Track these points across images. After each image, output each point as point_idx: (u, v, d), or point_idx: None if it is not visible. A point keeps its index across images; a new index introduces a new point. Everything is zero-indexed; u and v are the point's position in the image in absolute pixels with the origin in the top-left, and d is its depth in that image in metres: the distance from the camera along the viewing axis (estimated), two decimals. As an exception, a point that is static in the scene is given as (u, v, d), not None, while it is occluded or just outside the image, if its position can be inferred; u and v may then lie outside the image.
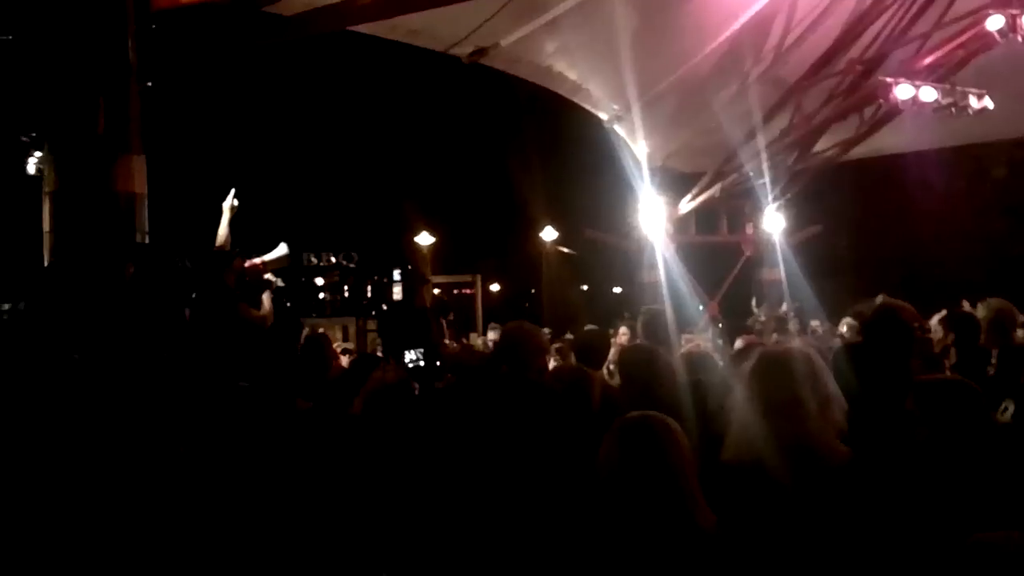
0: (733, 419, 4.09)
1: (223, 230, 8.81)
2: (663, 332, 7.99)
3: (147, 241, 8.73)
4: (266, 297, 8.52)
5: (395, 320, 6.58)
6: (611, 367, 8.63)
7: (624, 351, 6.74)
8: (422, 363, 5.87)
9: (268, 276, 8.74)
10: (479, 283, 42.41)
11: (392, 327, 6.39)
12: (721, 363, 8.07)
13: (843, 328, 11.88)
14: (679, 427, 3.52)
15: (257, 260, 8.79)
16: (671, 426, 3.50)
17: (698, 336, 12.04)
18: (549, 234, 40.94)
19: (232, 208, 8.90)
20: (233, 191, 8.88)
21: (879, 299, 12.16)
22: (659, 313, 8.25)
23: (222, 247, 8.77)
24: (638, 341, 9.88)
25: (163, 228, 9.33)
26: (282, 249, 9.12)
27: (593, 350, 7.05)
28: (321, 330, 9.01)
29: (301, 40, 13.02)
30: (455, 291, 43.41)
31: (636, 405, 4.06)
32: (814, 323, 14.26)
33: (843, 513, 3.61)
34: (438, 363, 5.95)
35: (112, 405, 5.06)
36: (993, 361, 6.67)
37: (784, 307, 15.87)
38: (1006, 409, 5.33)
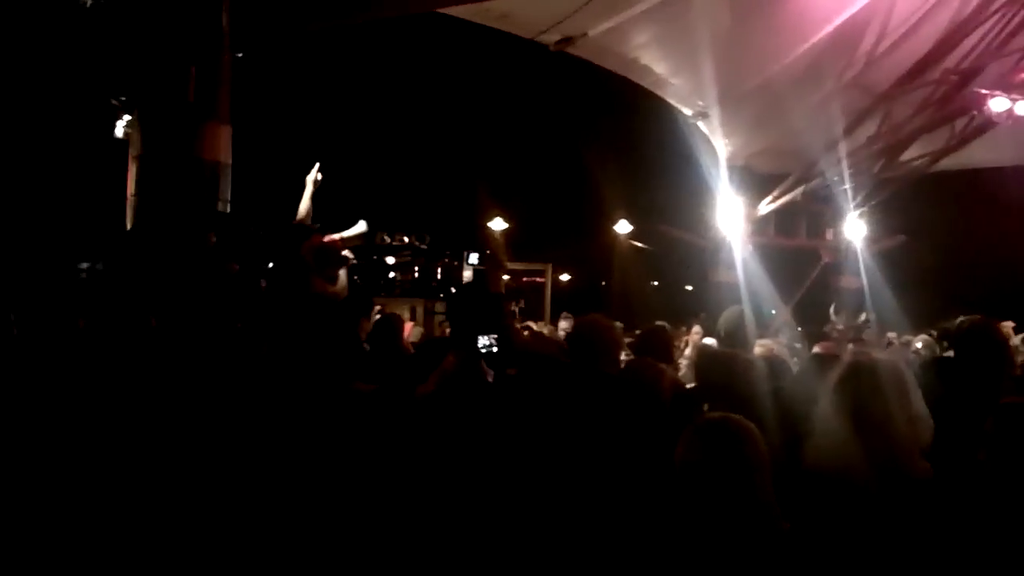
0: (816, 426, 4.02)
1: (305, 204, 8.83)
2: (743, 334, 7.89)
3: (228, 210, 8.75)
4: (342, 273, 8.51)
5: (467, 303, 6.48)
6: (682, 364, 8.54)
7: (703, 351, 6.66)
8: (495, 349, 5.79)
9: (345, 252, 8.74)
10: (549, 272, 42.33)
11: (463, 310, 6.30)
12: (796, 368, 7.97)
13: (918, 344, 11.69)
14: (757, 430, 3.47)
15: (336, 236, 8.79)
16: (750, 428, 3.45)
17: (772, 339, 11.90)
18: (623, 227, 40.79)
19: (315, 182, 8.92)
20: (317, 165, 8.90)
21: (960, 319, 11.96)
22: (740, 314, 8.14)
23: (303, 221, 8.79)
24: (712, 340, 9.79)
25: (244, 199, 9.35)
26: (361, 226, 9.11)
27: (654, 346, 6.99)
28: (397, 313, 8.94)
29: (389, 19, 13.01)
30: (524, 279, 43.35)
31: (713, 406, 4.01)
32: (891, 335, 14.03)
33: (920, 528, 3.56)
34: (512, 350, 5.87)
35: (184, 369, 5.06)
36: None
37: (863, 316, 15.64)
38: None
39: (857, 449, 3.74)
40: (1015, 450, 3.76)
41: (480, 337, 5.56)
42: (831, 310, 16.10)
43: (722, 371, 5.41)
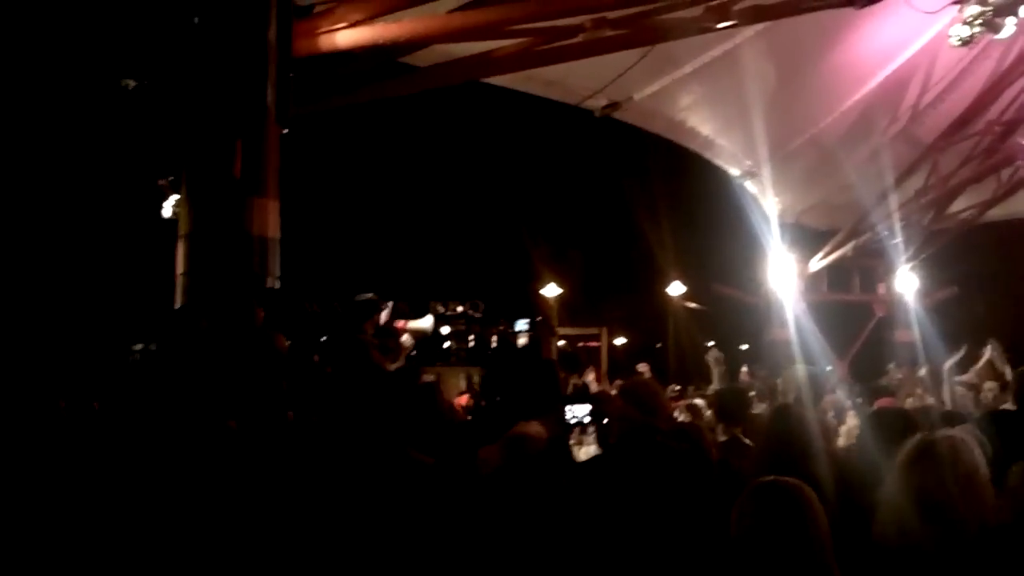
0: (883, 500, 3.95)
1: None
2: (819, 394, 7.87)
3: (278, 286, 8.85)
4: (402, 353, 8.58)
5: (518, 371, 6.45)
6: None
7: (767, 412, 6.59)
8: (587, 420, 5.72)
9: (406, 338, 8.82)
10: (605, 336, 42.24)
11: (514, 379, 6.27)
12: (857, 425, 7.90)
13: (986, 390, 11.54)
14: (814, 494, 3.45)
15: (401, 322, 8.90)
16: (806, 493, 3.44)
17: (829, 395, 11.79)
18: (677, 288, 40.70)
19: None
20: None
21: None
22: (802, 374, 8.11)
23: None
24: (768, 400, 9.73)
25: (295, 273, 9.45)
26: (428, 321, 9.21)
27: (735, 406, 6.97)
28: (432, 378, 8.98)
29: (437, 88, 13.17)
30: (580, 343, 43.27)
31: (772, 467, 3.99)
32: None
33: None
34: (605, 420, 5.78)
35: (240, 448, 5.10)
36: None
37: (923, 370, 15.49)
38: None
39: (920, 527, 3.69)
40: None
41: (569, 407, 5.51)
42: (891, 365, 15.97)
43: (781, 433, 5.35)
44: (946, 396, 10.12)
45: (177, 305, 8.67)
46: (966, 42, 11.15)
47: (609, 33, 10.54)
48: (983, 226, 20.93)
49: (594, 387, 17.09)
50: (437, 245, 35.17)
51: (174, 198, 9.74)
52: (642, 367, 17.52)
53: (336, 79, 10.60)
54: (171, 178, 9.62)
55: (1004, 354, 11.93)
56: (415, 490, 4.87)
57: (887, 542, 3.75)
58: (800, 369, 8.33)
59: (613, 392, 13.77)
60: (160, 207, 10.07)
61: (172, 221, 9.60)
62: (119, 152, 9.03)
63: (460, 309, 21.33)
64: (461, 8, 10.42)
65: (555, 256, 38.16)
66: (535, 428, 5.48)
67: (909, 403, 10.86)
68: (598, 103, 14.80)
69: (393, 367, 8.32)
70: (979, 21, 10.70)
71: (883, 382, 13.31)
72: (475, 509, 4.73)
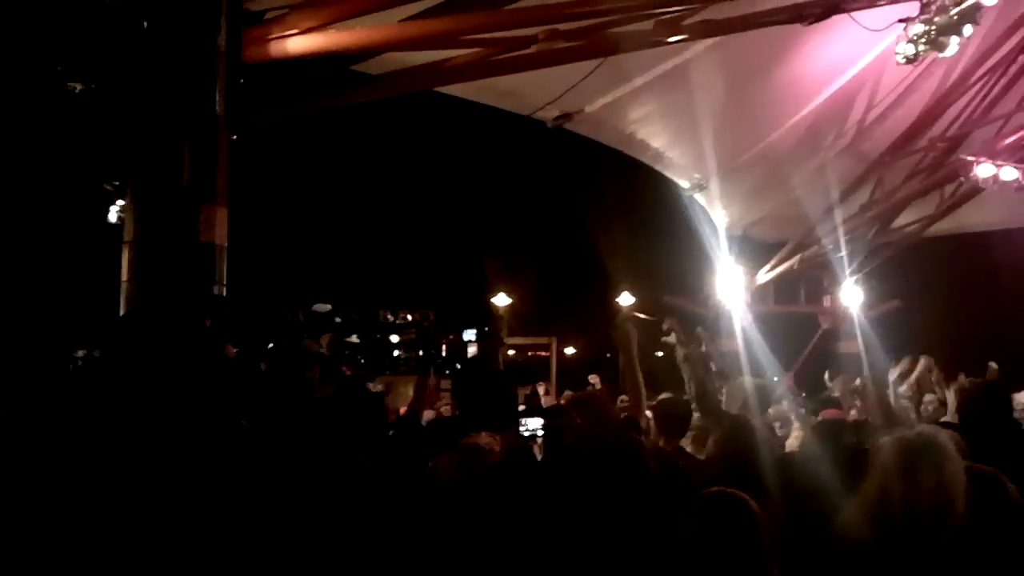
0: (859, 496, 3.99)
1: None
2: (764, 405, 7.94)
3: (224, 293, 8.81)
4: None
5: (472, 382, 6.48)
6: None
7: (728, 423, 6.63)
8: (540, 434, 5.70)
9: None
10: (555, 345, 42.28)
11: (470, 389, 6.29)
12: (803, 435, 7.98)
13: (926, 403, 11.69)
14: (757, 506, 3.50)
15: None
16: (750, 504, 3.49)
17: (775, 406, 11.89)
18: (626, 299, 40.82)
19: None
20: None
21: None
22: (746, 386, 8.19)
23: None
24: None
25: (241, 280, 9.41)
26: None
27: (676, 418, 7.00)
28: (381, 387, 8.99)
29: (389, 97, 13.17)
30: (530, 352, 43.32)
31: (722, 477, 4.04)
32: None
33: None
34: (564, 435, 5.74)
35: (181, 453, 5.07)
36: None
37: (858, 381, 15.64)
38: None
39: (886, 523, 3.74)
40: (984, 518, 3.79)
41: (524, 420, 5.50)
42: (826, 376, 16.14)
43: (731, 444, 5.39)
44: (886, 407, 10.24)
45: (121, 312, 8.59)
46: (911, 60, 11.32)
47: (562, 45, 10.58)
48: (926, 240, 21.25)
49: (545, 398, 17.14)
50: (388, 253, 35.10)
51: (120, 203, 9.65)
52: (593, 378, 17.57)
53: (288, 86, 10.56)
54: (117, 183, 9.53)
55: (938, 372, 12.09)
56: (369, 498, 4.88)
57: (853, 542, 3.80)
58: (746, 380, 8.41)
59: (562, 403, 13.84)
60: (106, 211, 9.98)
61: (117, 226, 9.51)
62: (64, 155, 8.92)
63: (410, 318, 21.32)
64: (414, 17, 10.41)
65: (506, 265, 38.20)
66: (485, 439, 5.50)
67: (853, 415, 10.97)
68: (550, 114, 14.84)
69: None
70: (924, 40, 10.85)
71: (828, 394, 13.44)
72: (430, 518, 4.75)
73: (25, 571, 4.30)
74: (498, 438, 5.60)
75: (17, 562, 4.31)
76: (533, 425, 5.61)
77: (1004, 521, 3.88)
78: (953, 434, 4.50)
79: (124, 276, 8.71)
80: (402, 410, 12.79)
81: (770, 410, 9.49)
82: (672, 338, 8.80)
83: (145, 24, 8.41)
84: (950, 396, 10.33)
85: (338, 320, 8.96)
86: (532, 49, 10.61)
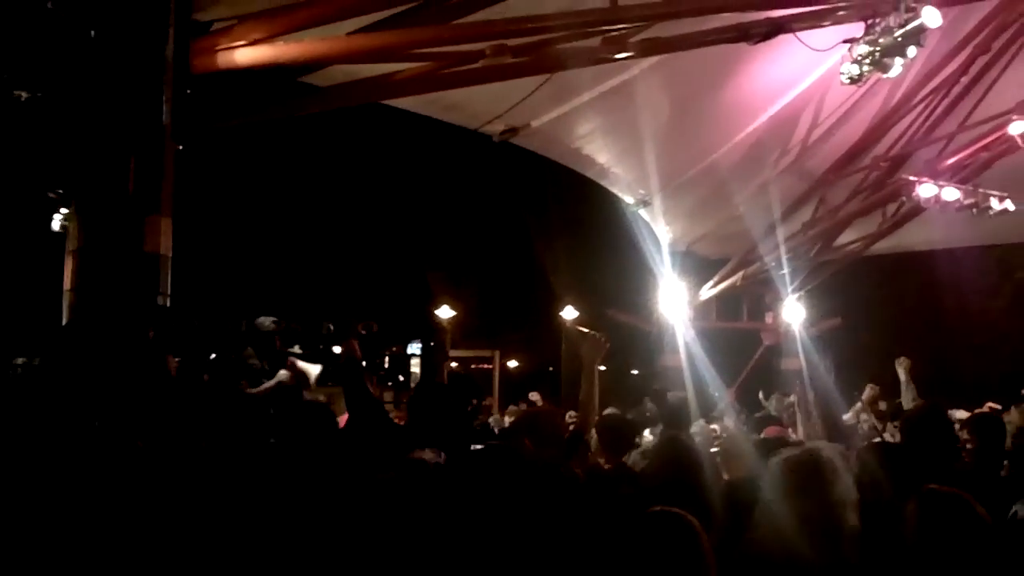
0: (761, 515, 4.07)
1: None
2: (686, 419, 7.97)
3: (168, 304, 8.76)
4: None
5: (426, 400, 6.46)
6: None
7: (661, 441, 6.65)
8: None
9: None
10: (497, 358, 42.29)
11: (424, 407, 6.28)
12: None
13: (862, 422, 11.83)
14: (699, 524, 3.53)
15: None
16: (692, 522, 3.52)
17: (717, 422, 11.96)
18: (569, 313, 40.91)
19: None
20: None
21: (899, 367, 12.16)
22: (683, 401, 8.25)
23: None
24: (659, 427, 9.84)
25: (185, 290, 9.36)
26: (315, 370, 9.16)
27: (618, 436, 7.03)
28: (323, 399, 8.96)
29: (336, 109, 13.15)
30: (473, 365, 43.34)
31: (662, 494, 4.06)
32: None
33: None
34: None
35: (120, 463, 5.04)
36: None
37: (792, 397, 15.77)
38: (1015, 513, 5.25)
39: (795, 537, 3.80)
40: (935, 538, 3.86)
41: (475, 446, 5.46)
42: (760, 395, 16.28)
43: (670, 460, 5.41)
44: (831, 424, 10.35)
45: (64, 321, 8.52)
46: (855, 80, 11.42)
47: (509, 60, 10.62)
48: (868, 258, 21.48)
49: (494, 412, 17.10)
50: (332, 264, 34.96)
51: (64, 211, 9.57)
52: (534, 396, 17.57)
53: (235, 97, 10.53)
54: (61, 191, 9.45)
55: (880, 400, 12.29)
56: (314, 509, 4.87)
57: (766, 554, 3.86)
58: (677, 396, 8.47)
59: (507, 420, 13.83)
60: (49, 219, 9.88)
61: (60, 234, 9.43)
62: (8, 163, 8.83)
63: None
64: (362, 30, 10.41)
65: (450, 278, 38.20)
66: (430, 455, 5.49)
67: (790, 432, 11.07)
68: (496, 128, 14.85)
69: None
70: (868, 60, 10.95)
71: (766, 412, 13.55)
72: (377, 532, 4.73)
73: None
74: (443, 455, 5.60)
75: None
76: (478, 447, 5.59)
77: (972, 542, 3.95)
78: (841, 450, 4.60)
79: (67, 285, 8.64)
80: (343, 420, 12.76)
81: (693, 427, 9.54)
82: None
83: (93, 33, 8.36)
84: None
85: (275, 328, 8.91)
86: (479, 64, 10.64)
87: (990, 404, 11.33)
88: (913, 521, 3.99)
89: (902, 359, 12.29)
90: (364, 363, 7.71)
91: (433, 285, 37.54)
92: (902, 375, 12.28)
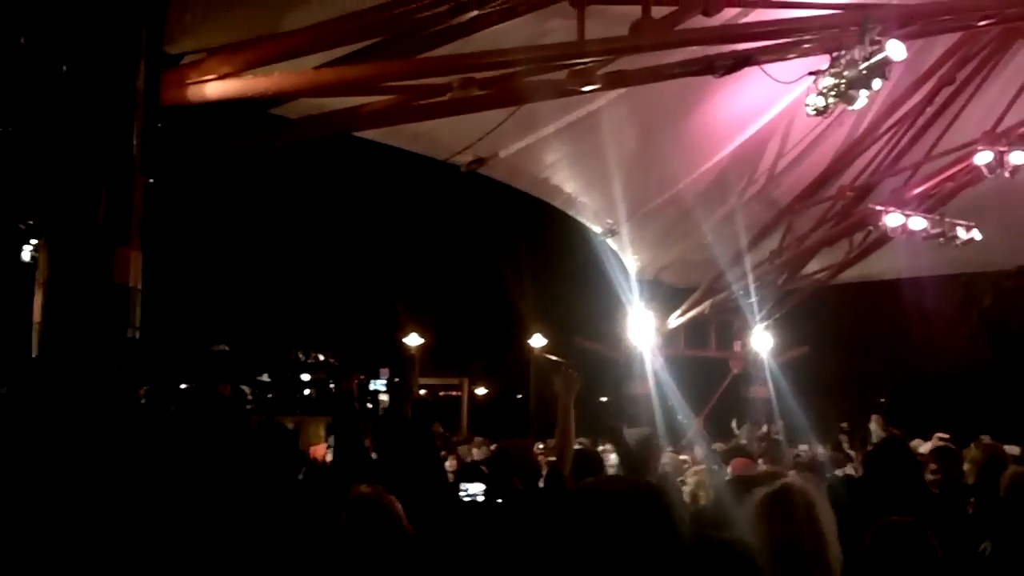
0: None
1: None
2: (655, 456, 8.00)
3: (138, 336, 8.76)
4: None
5: (392, 437, 6.45)
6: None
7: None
8: (481, 499, 5.54)
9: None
10: (466, 386, 42.33)
11: (390, 446, 6.27)
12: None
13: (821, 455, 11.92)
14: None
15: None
16: None
17: (687, 451, 12.03)
18: (538, 341, 40.95)
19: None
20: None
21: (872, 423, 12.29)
22: (647, 439, 8.27)
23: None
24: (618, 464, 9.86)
25: (155, 322, 9.36)
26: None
27: (588, 470, 7.06)
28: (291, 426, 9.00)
29: (305, 140, 13.20)
30: (441, 393, 43.31)
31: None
32: (801, 448, 14.17)
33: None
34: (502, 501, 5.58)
35: (90, 495, 5.05)
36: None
37: (765, 427, 15.85)
38: (984, 550, 5.31)
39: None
40: (893, 569, 3.91)
41: (464, 484, 5.40)
42: (733, 424, 16.35)
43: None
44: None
45: (34, 353, 8.51)
46: (821, 112, 11.51)
47: (476, 93, 10.69)
48: (835, 287, 21.61)
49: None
50: (300, 293, 34.94)
51: (34, 242, 9.57)
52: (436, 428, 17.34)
53: (205, 130, 10.56)
54: (31, 222, 9.45)
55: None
56: (279, 541, 4.88)
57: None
58: (644, 433, 8.49)
59: (478, 452, 13.79)
60: (19, 250, 9.89)
61: (30, 265, 9.43)
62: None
63: (321, 357, 21.25)
64: (330, 64, 10.48)
65: (419, 306, 38.21)
66: (365, 488, 5.48)
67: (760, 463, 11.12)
68: (464, 159, 14.89)
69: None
70: (834, 92, 11.03)
71: (734, 442, 13.61)
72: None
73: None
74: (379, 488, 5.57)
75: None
76: (474, 490, 5.52)
77: (924, 570, 4.00)
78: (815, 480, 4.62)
79: (36, 317, 8.63)
80: (314, 450, 12.76)
81: (663, 457, 9.57)
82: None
83: (64, 67, 8.38)
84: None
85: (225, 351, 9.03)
86: (446, 97, 10.71)
87: (939, 435, 11.42)
88: (868, 551, 4.03)
89: (875, 417, 12.42)
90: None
91: (401, 313, 37.56)
92: (876, 431, 12.42)
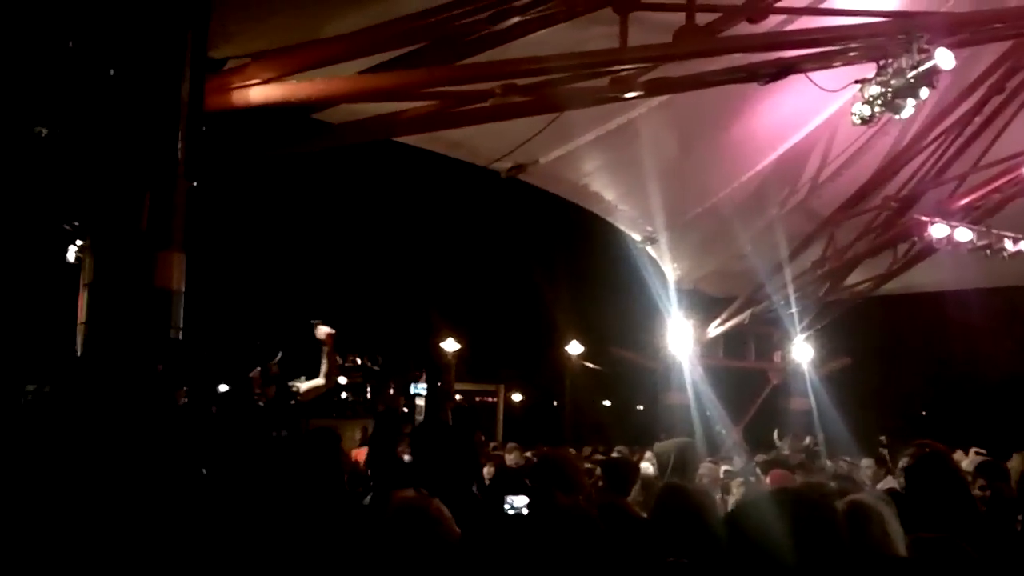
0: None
1: (324, 367, 9.15)
2: (693, 465, 7.95)
3: (180, 337, 8.80)
4: None
5: (432, 443, 6.40)
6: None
7: (662, 491, 6.55)
8: (525, 511, 5.44)
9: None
10: (502, 393, 42.32)
11: (429, 451, 6.21)
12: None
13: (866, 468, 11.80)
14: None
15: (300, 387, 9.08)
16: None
17: (724, 462, 11.95)
18: (575, 348, 40.91)
19: (328, 336, 9.25)
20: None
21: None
22: (689, 446, 8.22)
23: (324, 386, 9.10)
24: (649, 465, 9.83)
25: (197, 324, 9.39)
26: (318, 381, 9.35)
27: (622, 477, 7.03)
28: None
29: (345, 145, 13.26)
30: (477, 399, 43.32)
31: (670, 542, 4.06)
32: (844, 461, 14.01)
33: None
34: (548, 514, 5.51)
35: (131, 496, 5.06)
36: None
37: (808, 439, 15.72)
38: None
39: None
40: None
41: (508, 497, 5.34)
42: (775, 435, 16.20)
43: (679, 509, 5.32)
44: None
45: (78, 352, 8.56)
46: (866, 121, 11.35)
47: (518, 99, 10.69)
48: (878, 299, 21.40)
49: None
50: (339, 296, 35.03)
51: (79, 243, 9.62)
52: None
53: (248, 134, 10.62)
54: (76, 223, 9.50)
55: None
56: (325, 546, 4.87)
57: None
58: (685, 443, 8.43)
59: (511, 458, 13.75)
60: (64, 251, 9.93)
61: (75, 266, 9.48)
62: (26, 192, 8.89)
63: (359, 361, 21.32)
64: (372, 69, 10.51)
65: (456, 312, 38.24)
66: (411, 493, 5.46)
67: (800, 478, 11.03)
68: (504, 165, 14.91)
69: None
70: (880, 101, 10.89)
71: (771, 455, 13.50)
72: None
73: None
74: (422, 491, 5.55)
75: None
76: (518, 503, 5.43)
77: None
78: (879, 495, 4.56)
79: (81, 318, 8.68)
80: (356, 454, 12.77)
81: (701, 468, 9.50)
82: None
83: (111, 71, 8.43)
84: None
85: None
86: (488, 103, 10.71)
87: (975, 450, 11.25)
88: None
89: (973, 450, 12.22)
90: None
91: (438, 319, 37.59)
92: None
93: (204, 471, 6.36)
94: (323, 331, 9.54)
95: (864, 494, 4.55)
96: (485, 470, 12.54)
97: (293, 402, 8.95)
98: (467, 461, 6.03)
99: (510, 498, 5.34)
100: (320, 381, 9.43)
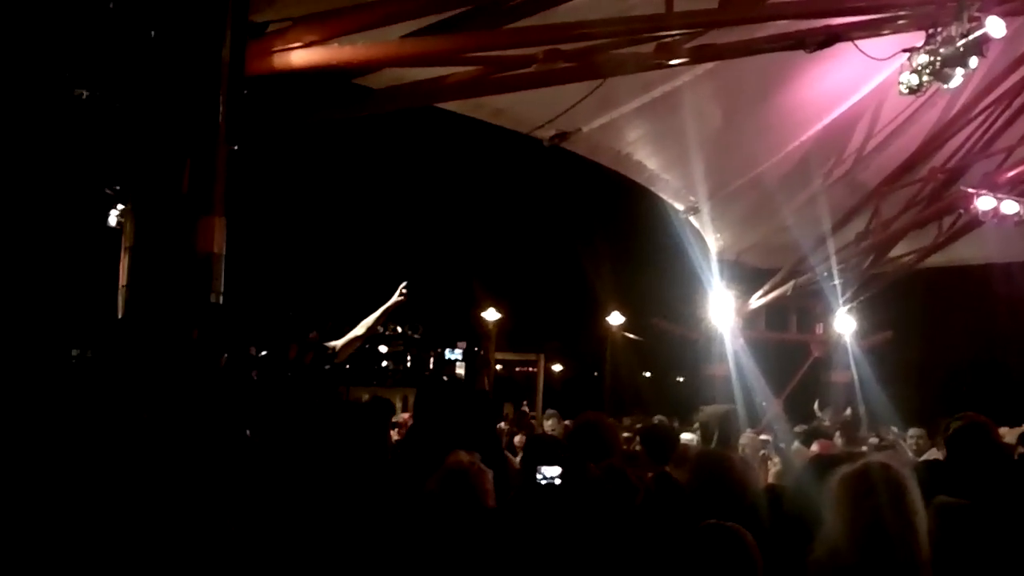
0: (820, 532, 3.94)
1: (371, 319, 9.16)
2: (735, 433, 7.92)
3: (221, 302, 8.83)
4: None
5: (452, 400, 6.38)
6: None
7: (701, 456, 6.52)
8: (557, 482, 5.40)
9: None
10: (542, 362, 42.30)
11: (454, 412, 6.20)
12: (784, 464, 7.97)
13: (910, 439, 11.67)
14: (752, 539, 3.51)
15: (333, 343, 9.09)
16: (747, 538, 3.50)
17: (767, 432, 11.92)
18: (616, 319, 40.85)
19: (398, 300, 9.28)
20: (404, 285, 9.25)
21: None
22: (732, 413, 8.19)
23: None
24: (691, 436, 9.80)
25: (238, 289, 9.41)
26: (356, 331, 9.35)
27: (661, 444, 7.00)
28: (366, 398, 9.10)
29: (387, 113, 13.23)
30: (517, 368, 43.38)
31: (709, 509, 4.03)
32: (893, 430, 13.85)
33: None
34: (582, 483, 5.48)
35: (168, 458, 5.07)
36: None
37: (848, 411, 15.62)
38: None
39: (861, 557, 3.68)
40: (954, 551, 3.79)
41: (541, 467, 5.32)
42: (815, 406, 16.11)
43: (718, 475, 5.30)
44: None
45: (119, 315, 8.61)
46: (914, 91, 11.21)
47: (562, 65, 10.62)
48: (921, 271, 21.17)
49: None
50: (380, 264, 35.11)
51: (120, 207, 9.66)
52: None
53: (289, 99, 10.60)
54: (118, 187, 9.52)
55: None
56: (366, 516, 4.87)
57: (821, 570, 3.77)
58: (723, 409, 8.40)
59: (550, 424, 13.74)
60: (106, 215, 9.97)
61: (117, 230, 9.52)
62: (67, 156, 8.91)
63: (399, 330, 21.34)
64: (415, 34, 10.45)
65: (497, 282, 38.24)
66: (464, 457, 5.47)
67: (839, 443, 10.96)
68: (546, 133, 14.83)
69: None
70: (928, 70, 10.74)
71: (812, 424, 13.42)
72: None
73: (21, 566, 4.31)
74: (476, 456, 5.56)
75: (14, 557, 4.32)
76: (551, 473, 5.38)
77: (981, 552, 3.90)
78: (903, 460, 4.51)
79: (122, 281, 8.72)
80: (405, 418, 12.82)
81: (742, 438, 9.48)
82: None
83: (152, 34, 8.43)
84: None
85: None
86: (531, 68, 10.65)
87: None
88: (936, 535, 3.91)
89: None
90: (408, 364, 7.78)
91: (479, 289, 37.62)
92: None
93: (248, 433, 6.38)
94: (395, 299, 9.55)
95: (883, 456, 4.49)
96: (517, 439, 12.58)
97: (328, 367, 8.94)
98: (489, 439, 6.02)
99: (543, 468, 5.29)
100: (358, 331, 9.40)
